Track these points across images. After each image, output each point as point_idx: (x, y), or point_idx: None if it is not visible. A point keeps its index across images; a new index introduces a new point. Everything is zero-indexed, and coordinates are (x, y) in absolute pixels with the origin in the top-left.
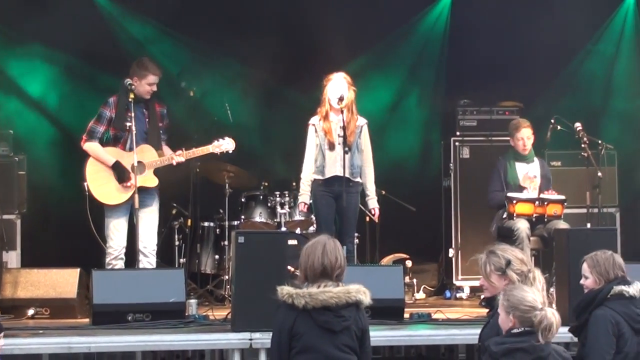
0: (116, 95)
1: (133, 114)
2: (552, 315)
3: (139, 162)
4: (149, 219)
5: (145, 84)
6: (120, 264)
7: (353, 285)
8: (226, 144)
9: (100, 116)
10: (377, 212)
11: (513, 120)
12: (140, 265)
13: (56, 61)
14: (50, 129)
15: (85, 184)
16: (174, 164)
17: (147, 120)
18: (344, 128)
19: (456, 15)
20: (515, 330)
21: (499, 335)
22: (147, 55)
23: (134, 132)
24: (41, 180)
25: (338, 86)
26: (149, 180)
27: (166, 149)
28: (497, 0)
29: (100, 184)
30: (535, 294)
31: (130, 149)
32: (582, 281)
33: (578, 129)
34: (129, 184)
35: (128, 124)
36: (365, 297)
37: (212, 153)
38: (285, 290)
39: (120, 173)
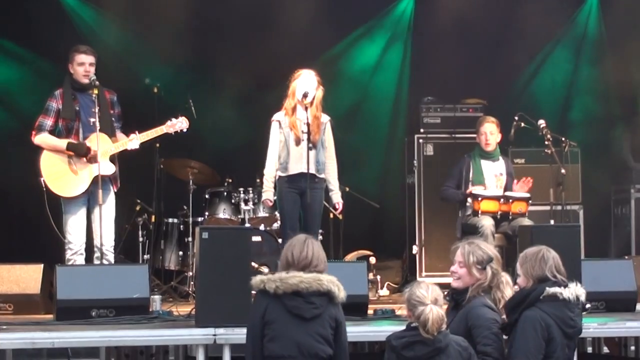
0: (62, 87)
1: (97, 109)
2: (430, 311)
3: (94, 150)
4: (104, 214)
5: (76, 65)
6: (80, 259)
7: (327, 275)
8: (180, 123)
9: (47, 109)
10: (340, 206)
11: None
12: (97, 263)
13: (14, 54)
14: (8, 122)
15: (41, 179)
16: (129, 148)
17: (97, 107)
18: (307, 125)
19: (420, 12)
20: (413, 324)
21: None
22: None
23: (97, 125)
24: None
25: (306, 82)
26: (106, 168)
27: (121, 136)
28: None
29: (56, 177)
30: (429, 289)
31: (84, 139)
32: (517, 280)
33: (542, 126)
34: (91, 152)
35: (92, 119)
36: (339, 291)
37: (167, 133)
38: (258, 277)
39: (76, 149)
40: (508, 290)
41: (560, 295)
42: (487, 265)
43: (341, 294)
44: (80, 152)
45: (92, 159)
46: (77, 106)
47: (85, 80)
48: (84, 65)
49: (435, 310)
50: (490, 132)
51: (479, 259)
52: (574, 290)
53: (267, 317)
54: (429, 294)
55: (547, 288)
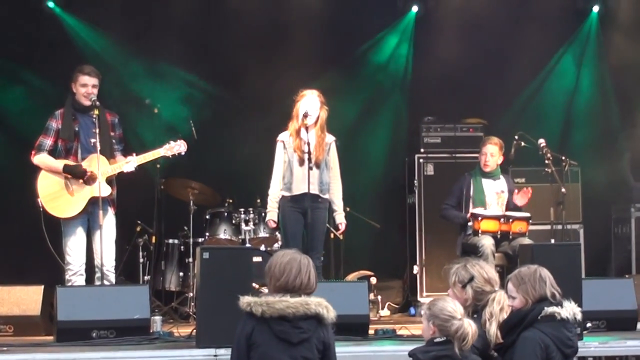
0: (63, 107)
1: (97, 130)
2: (469, 325)
3: (91, 172)
4: (104, 235)
5: (79, 86)
6: (80, 280)
7: (314, 297)
8: (178, 146)
9: (47, 129)
10: (343, 227)
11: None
12: (98, 283)
13: (15, 75)
14: (8, 142)
15: (38, 199)
16: (125, 171)
17: (97, 129)
18: (308, 144)
19: (420, 32)
20: (437, 339)
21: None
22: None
23: (98, 146)
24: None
25: (309, 103)
26: (103, 189)
27: (121, 159)
28: (460, 17)
29: (52, 198)
30: (457, 304)
31: (83, 159)
32: (509, 302)
33: (542, 145)
34: (88, 174)
35: (92, 140)
36: (328, 312)
37: (164, 156)
38: (245, 299)
39: (72, 172)
40: (495, 306)
41: (559, 315)
42: (467, 284)
43: (330, 314)
44: (76, 175)
45: (89, 180)
46: (76, 127)
47: (87, 102)
48: (86, 87)
49: (473, 325)
50: (491, 154)
51: (459, 278)
52: (571, 309)
53: (253, 339)
54: (458, 308)
55: (545, 308)
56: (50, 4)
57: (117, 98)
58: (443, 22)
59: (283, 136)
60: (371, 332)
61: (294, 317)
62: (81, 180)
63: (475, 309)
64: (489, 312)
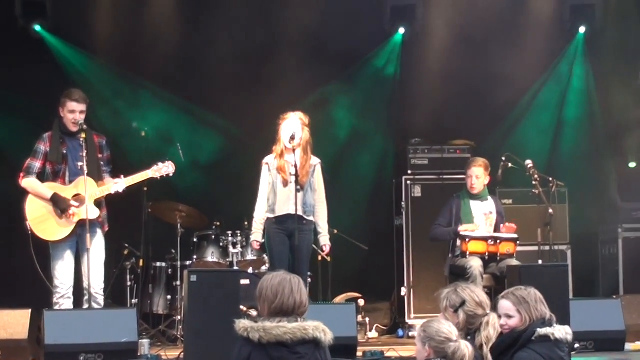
0: (52, 130)
1: (85, 153)
2: (466, 347)
3: (77, 194)
4: (92, 257)
5: (67, 112)
6: (67, 303)
7: (312, 322)
8: (166, 168)
9: (35, 152)
10: (328, 249)
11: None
12: (86, 306)
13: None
14: None
15: (26, 222)
16: (113, 192)
17: (85, 152)
18: (295, 167)
19: (407, 54)
20: None
21: None
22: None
23: (85, 165)
24: None
25: (292, 125)
26: (90, 212)
27: (109, 181)
28: (447, 39)
29: (41, 221)
30: (451, 327)
31: (70, 182)
32: (503, 321)
33: (529, 166)
34: (71, 211)
35: (79, 163)
36: (325, 336)
37: (153, 177)
38: (242, 324)
39: (59, 204)
40: (490, 330)
41: (553, 335)
42: (459, 308)
43: (327, 337)
44: (62, 208)
45: (80, 202)
46: (64, 150)
47: (74, 128)
48: (74, 114)
49: (470, 346)
50: (477, 176)
51: (451, 303)
52: (564, 330)
53: None
54: (453, 330)
55: (539, 329)
56: (37, 28)
57: (103, 120)
58: (430, 44)
59: (268, 159)
60: (359, 354)
61: (291, 343)
62: (62, 214)
63: (468, 333)
64: (484, 336)
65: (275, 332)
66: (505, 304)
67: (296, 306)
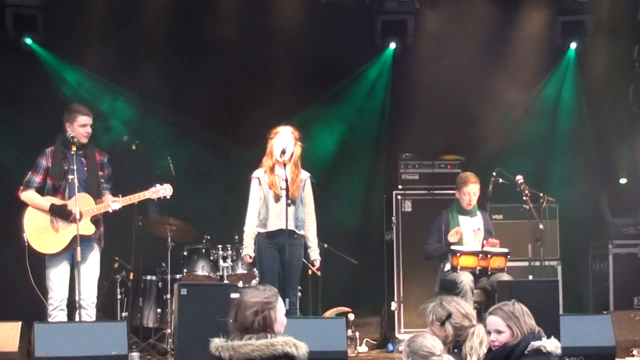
0: (54, 145)
1: (75, 167)
2: None
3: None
4: (87, 271)
5: (78, 127)
6: (61, 315)
7: (281, 337)
8: (164, 190)
9: (37, 166)
10: (318, 263)
11: (461, 173)
12: (77, 319)
13: None
14: None
15: (23, 235)
16: (110, 210)
17: (85, 169)
18: (286, 181)
19: (398, 69)
20: None
21: None
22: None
23: (75, 183)
24: None
25: (283, 140)
26: (86, 228)
27: (109, 198)
28: (438, 54)
29: (38, 234)
30: (436, 340)
31: (70, 198)
32: (493, 337)
33: (519, 181)
34: (73, 215)
35: (70, 176)
36: (297, 350)
37: (150, 199)
38: (214, 343)
39: (58, 212)
40: (474, 340)
41: (544, 348)
42: (445, 321)
43: (300, 351)
44: (62, 216)
45: (75, 220)
46: (65, 166)
47: (85, 141)
48: (85, 127)
49: (451, 359)
50: (474, 193)
51: (437, 316)
52: (554, 343)
53: None
54: (437, 345)
55: (532, 342)
56: (28, 41)
57: (93, 133)
58: (421, 59)
59: (258, 173)
60: None
61: None
62: (66, 219)
63: (456, 345)
64: (469, 346)
65: (244, 350)
66: (494, 320)
67: (265, 324)
